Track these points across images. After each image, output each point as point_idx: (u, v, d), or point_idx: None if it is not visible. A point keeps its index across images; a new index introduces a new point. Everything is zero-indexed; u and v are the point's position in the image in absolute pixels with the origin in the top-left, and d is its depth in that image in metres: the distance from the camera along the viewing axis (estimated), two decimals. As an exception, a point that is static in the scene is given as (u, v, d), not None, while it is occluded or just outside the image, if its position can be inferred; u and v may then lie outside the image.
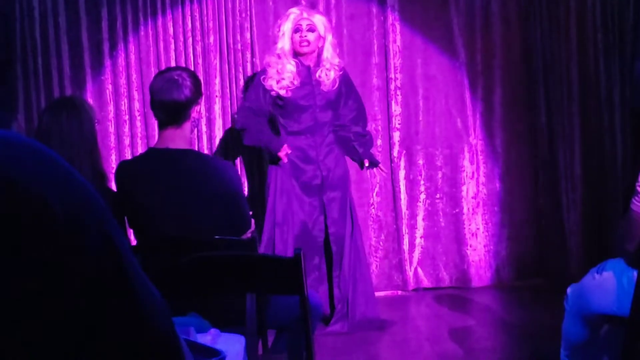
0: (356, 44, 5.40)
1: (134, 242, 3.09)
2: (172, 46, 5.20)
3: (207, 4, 5.19)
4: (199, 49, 5.20)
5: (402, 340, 4.43)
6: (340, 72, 4.54)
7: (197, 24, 5.20)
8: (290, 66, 4.45)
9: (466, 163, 5.46)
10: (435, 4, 5.41)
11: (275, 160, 4.48)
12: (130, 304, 0.66)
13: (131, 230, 3.02)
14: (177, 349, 0.71)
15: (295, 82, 4.44)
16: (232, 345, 1.92)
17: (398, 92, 5.40)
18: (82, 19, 5.12)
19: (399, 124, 5.41)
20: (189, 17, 5.19)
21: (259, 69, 4.99)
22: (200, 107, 2.99)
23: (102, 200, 0.68)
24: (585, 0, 5.24)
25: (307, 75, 4.48)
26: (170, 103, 2.86)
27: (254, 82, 4.68)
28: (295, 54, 4.49)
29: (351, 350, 4.20)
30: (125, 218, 2.95)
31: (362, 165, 4.60)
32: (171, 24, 5.20)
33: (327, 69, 4.48)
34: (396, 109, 5.39)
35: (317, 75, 4.47)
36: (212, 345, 1.62)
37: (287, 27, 4.47)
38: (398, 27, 5.38)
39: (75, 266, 0.62)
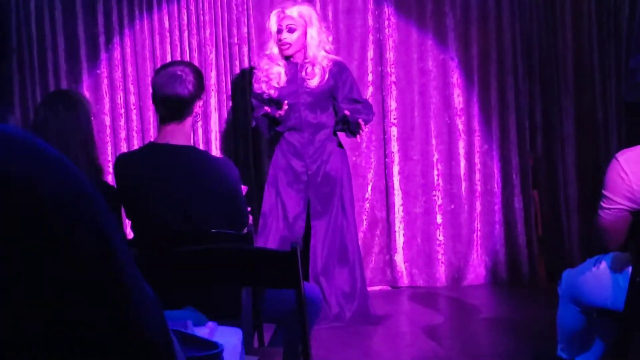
0: (352, 38, 5.40)
1: (130, 235, 3.09)
2: (168, 40, 5.20)
3: (202, -2, 5.19)
4: (194, 42, 5.20)
5: (396, 335, 4.44)
6: (329, 67, 4.44)
7: (193, 17, 5.19)
8: (279, 67, 4.44)
9: (462, 159, 5.45)
10: (431, -1, 5.41)
11: (277, 122, 4.45)
12: (120, 301, 0.64)
13: (128, 223, 3.02)
14: (169, 349, 0.69)
15: (282, 82, 4.43)
16: (229, 338, 1.93)
17: (393, 87, 5.39)
18: (78, 12, 5.12)
19: (394, 119, 5.40)
20: (185, 11, 5.19)
21: (255, 63, 4.99)
22: (203, 103, 3.00)
23: (96, 192, 0.65)
24: (580, -5, 5.26)
25: (294, 73, 4.46)
26: (173, 98, 2.85)
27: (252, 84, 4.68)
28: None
29: (346, 345, 4.21)
30: (123, 211, 2.95)
31: (349, 125, 4.39)
32: (167, 17, 5.20)
33: (312, 66, 4.42)
34: (391, 104, 5.39)
35: (302, 73, 4.44)
36: (209, 339, 1.63)
37: (272, 28, 4.47)
38: (394, 21, 5.38)
39: (63, 257, 0.60)
